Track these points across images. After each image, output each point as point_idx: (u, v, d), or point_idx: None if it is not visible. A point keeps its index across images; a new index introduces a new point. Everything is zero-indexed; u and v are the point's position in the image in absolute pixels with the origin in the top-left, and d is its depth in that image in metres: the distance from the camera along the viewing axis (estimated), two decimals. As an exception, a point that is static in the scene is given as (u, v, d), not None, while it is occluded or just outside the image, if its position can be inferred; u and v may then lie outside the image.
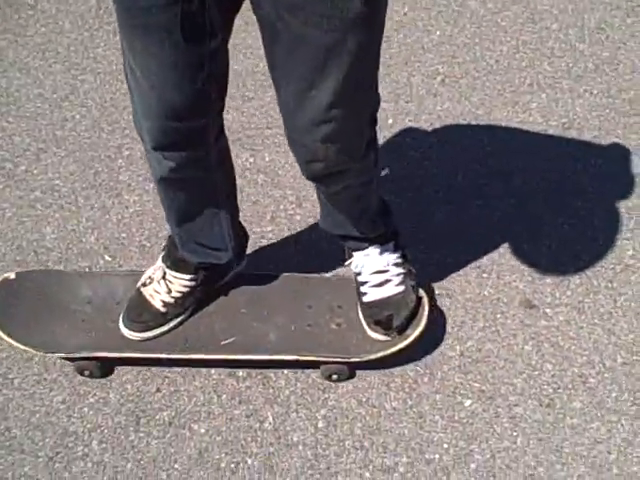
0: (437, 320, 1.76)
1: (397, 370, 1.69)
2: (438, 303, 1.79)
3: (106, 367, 1.68)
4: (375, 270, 1.66)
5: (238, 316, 1.68)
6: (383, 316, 1.63)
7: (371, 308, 1.65)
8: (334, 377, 1.66)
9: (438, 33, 2.45)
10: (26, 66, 2.37)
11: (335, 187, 1.49)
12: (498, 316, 1.78)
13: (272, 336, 1.65)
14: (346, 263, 1.71)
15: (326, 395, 1.66)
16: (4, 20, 2.53)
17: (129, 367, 1.69)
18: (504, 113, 2.20)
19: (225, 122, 1.47)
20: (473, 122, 2.18)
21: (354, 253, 1.69)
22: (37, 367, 1.70)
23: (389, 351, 1.62)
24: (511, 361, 1.70)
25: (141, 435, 1.61)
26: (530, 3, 2.54)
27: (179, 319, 1.67)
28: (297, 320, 1.67)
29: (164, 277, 1.66)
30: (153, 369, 1.69)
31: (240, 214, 1.68)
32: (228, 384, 1.68)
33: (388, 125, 2.17)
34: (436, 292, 1.81)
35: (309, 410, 1.64)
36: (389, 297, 1.65)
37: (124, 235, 1.94)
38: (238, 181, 1.63)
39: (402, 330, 1.63)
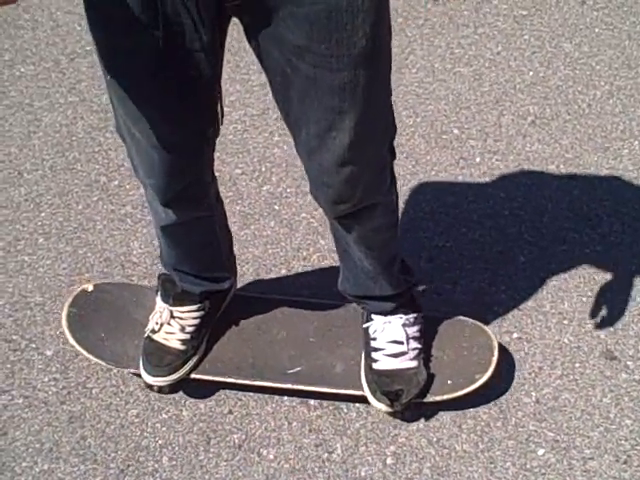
0: (513, 364, 1.73)
1: (470, 412, 1.67)
2: (516, 347, 1.76)
3: (175, 385, 1.68)
4: (393, 339, 1.61)
5: (306, 344, 1.69)
6: (393, 389, 1.57)
7: (380, 377, 1.59)
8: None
9: (531, 74, 2.43)
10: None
11: (363, 227, 1.44)
12: (577, 365, 1.74)
13: (338, 368, 1.65)
14: (364, 326, 1.65)
15: (397, 431, 1.65)
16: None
17: (203, 386, 1.71)
18: (594, 158, 2.17)
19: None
20: (562, 166, 2.15)
21: (374, 317, 1.63)
22: (115, 379, 1.74)
23: (453, 395, 1.60)
24: (588, 413, 1.66)
25: (210, 456, 1.62)
26: (626, 48, 2.50)
27: (200, 350, 1.67)
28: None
29: (173, 316, 1.65)
30: (227, 391, 1.71)
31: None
32: (299, 412, 1.68)
33: (475, 163, 2.16)
34: (514, 336, 1.78)
35: (379, 445, 1.63)
36: (402, 370, 1.59)
37: (207, 255, 1.97)
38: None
39: (407, 407, 1.59)
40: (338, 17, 1.10)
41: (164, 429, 1.66)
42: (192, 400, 1.70)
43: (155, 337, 1.65)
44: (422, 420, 1.66)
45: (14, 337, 1.82)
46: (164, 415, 1.69)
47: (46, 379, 1.75)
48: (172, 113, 1.25)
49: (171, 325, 1.65)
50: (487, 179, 2.13)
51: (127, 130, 1.31)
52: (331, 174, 1.30)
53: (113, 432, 1.66)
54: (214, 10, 1.14)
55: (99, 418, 1.69)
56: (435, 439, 1.63)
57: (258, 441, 1.64)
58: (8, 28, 2.64)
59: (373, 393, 1.60)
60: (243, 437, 1.65)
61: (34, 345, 1.81)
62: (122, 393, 1.72)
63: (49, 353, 1.79)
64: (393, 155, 1.41)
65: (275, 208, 2.07)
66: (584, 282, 1.88)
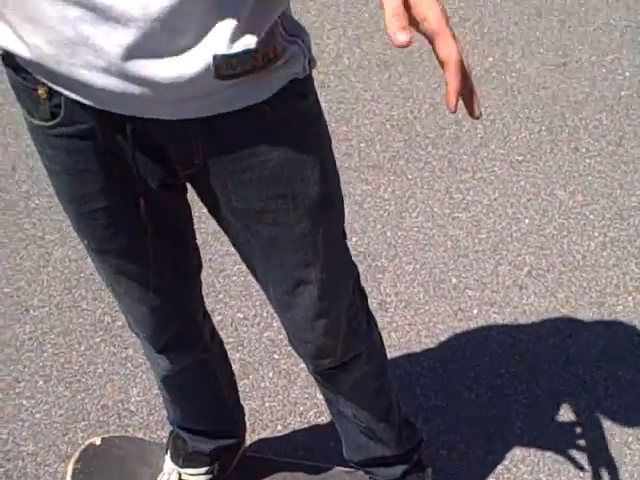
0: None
1: None
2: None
3: None
4: None
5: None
6: None
7: None
8: None
9: (527, 222, 2.49)
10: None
11: (351, 377, 1.42)
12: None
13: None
14: None
15: None
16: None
17: None
18: (590, 314, 2.21)
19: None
20: (558, 321, 2.19)
21: None
22: (109, 539, 1.73)
23: None
24: None
25: None
26: (618, 198, 2.56)
27: None
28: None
29: (181, 479, 1.65)
30: None
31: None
32: None
33: (473, 315, 2.20)
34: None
35: None
36: None
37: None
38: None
39: None
40: (291, 169, 1.10)
41: None
42: None
43: None
44: None
45: (7, 489, 1.82)
46: None
47: (39, 537, 1.73)
48: (147, 265, 1.23)
49: None
50: (484, 333, 2.16)
51: (110, 287, 1.31)
52: (306, 330, 1.28)
53: None
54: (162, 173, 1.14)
55: None
56: None
57: None
58: (27, 159, 2.69)
59: None
60: None
61: (27, 498, 1.80)
62: None
63: (43, 507, 1.78)
64: (363, 296, 1.39)
65: (275, 357, 2.09)
66: (580, 455, 1.89)
